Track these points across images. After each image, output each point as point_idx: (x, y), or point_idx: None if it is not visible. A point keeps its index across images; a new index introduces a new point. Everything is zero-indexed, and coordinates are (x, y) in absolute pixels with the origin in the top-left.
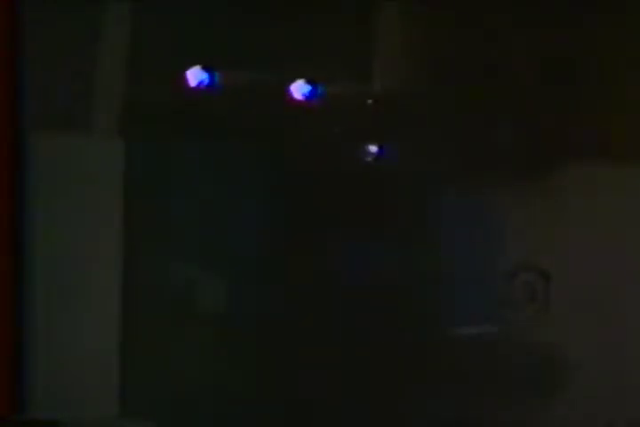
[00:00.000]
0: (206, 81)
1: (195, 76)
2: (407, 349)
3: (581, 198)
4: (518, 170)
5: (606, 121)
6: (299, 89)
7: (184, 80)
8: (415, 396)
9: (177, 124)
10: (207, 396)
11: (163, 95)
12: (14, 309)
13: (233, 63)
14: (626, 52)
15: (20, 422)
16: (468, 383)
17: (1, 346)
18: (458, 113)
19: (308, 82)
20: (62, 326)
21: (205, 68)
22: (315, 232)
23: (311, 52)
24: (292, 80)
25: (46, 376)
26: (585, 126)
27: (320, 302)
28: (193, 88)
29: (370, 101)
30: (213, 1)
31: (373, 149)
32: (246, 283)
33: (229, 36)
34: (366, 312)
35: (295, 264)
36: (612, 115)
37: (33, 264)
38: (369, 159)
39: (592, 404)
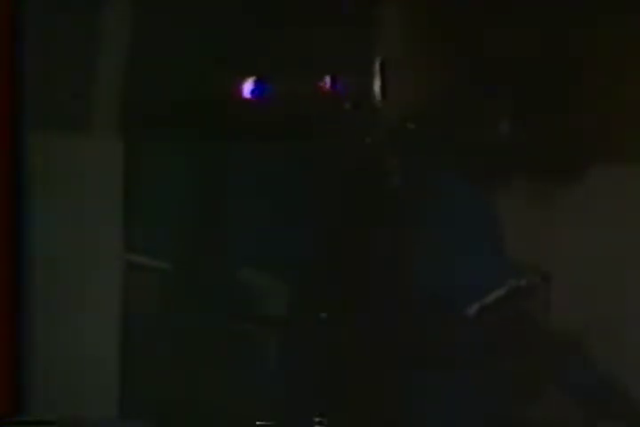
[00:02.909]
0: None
1: (248, 86)
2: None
3: (582, 199)
4: (519, 170)
5: (606, 121)
6: (247, 88)
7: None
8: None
9: (179, 124)
10: (206, 396)
11: (163, 95)
12: (14, 309)
13: (233, 63)
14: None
15: (19, 422)
16: (469, 382)
17: (1, 346)
18: (458, 113)
19: (257, 80)
20: (62, 326)
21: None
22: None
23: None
24: (291, 80)
25: (46, 376)
26: (584, 127)
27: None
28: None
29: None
30: (209, 1)
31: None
32: (246, 283)
33: (228, 35)
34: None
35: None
36: (611, 116)
37: (33, 264)
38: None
39: (592, 402)
